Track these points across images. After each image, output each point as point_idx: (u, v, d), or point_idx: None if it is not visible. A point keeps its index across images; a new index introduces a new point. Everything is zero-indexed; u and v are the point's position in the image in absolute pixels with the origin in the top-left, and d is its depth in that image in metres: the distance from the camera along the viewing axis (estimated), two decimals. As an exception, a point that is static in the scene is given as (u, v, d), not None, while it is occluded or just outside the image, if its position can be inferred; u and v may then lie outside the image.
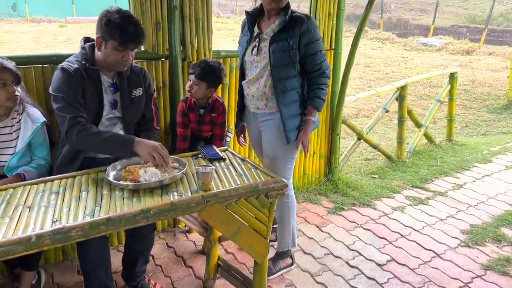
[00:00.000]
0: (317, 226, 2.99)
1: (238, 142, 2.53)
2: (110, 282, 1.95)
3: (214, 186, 1.71)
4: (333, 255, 2.63)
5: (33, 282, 2.13)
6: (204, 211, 1.63)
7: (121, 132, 2.02)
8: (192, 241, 2.77)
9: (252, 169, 1.91)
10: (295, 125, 2.16)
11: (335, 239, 2.82)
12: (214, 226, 1.90)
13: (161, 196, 1.64)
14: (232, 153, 2.12)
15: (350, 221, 3.07)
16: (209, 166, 1.73)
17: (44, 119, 1.99)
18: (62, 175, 1.81)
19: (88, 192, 1.67)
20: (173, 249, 2.67)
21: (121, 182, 1.68)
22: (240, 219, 1.78)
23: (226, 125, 2.56)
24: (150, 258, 2.53)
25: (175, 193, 1.65)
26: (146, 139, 1.87)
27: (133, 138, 1.81)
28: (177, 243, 2.74)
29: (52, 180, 1.78)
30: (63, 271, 2.43)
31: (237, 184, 1.73)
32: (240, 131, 2.49)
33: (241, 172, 1.86)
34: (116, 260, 2.40)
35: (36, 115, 1.97)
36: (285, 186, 1.77)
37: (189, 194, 1.64)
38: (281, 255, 2.45)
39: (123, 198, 1.62)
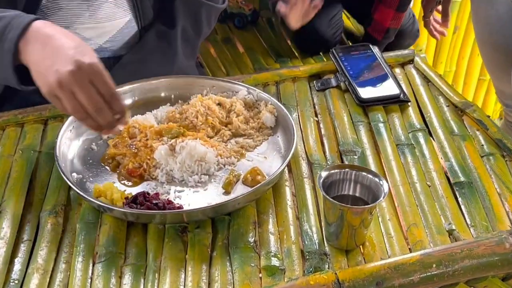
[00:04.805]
0: None
1: (428, 29, 1.86)
2: None
3: (373, 230, 0.93)
4: None
5: None
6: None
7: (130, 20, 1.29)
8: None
9: (492, 160, 1.06)
10: None
11: None
12: None
13: (209, 257, 0.86)
14: (427, 78, 1.32)
15: None
16: (368, 171, 0.91)
17: None
18: None
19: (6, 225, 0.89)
20: None
21: (98, 202, 0.88)
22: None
23: None
24: None
25: (259, 254, 0.87)
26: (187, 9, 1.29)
27: (28, 21, 0.94)
28: None
29: None
30: None
31: (456, 236, 0.93)
32: None
33: (464, 178, 1.03)
34: None
35: None
36: None
37: (294, 256, 0.87)
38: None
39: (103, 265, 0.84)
